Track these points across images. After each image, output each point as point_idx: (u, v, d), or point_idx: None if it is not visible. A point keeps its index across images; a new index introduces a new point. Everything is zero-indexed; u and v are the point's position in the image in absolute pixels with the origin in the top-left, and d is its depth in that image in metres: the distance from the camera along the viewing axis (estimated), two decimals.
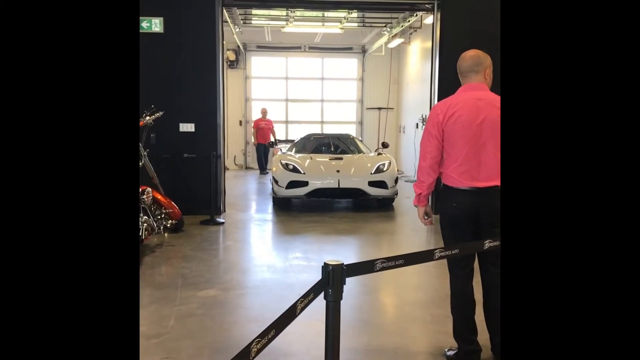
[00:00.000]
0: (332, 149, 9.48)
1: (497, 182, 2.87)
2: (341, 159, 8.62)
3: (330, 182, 7.91)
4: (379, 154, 9.06)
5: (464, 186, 2.91)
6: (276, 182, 8.08)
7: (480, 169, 2.88)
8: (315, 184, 7.90)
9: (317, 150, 9.52)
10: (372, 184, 7.94)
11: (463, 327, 3.04)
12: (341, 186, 7.88)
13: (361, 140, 10.62)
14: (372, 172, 8.05)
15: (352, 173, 8.04)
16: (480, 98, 2.89)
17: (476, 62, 2.93)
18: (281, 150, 10.09)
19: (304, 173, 8.00)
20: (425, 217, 3.13)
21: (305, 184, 7.92)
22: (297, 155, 8.86)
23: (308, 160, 8.45)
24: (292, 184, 7.91)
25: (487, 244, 2.51)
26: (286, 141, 12.93)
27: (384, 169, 8.14)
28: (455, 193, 2.95)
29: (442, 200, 3.06)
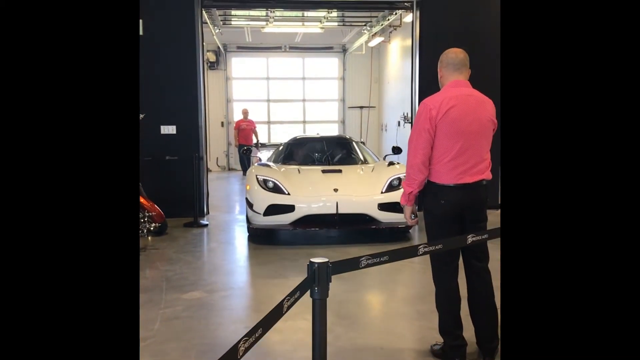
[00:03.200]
0: (327, 158, 7.24)
1: (483, 177, 2.93)
2: (340, 171, 6.49)
3: (325, 206, 5.81)
4: (390, 163, 6.84)
5: (453, 182, 2.90)
6: (250, 206, 6.04)
7: (470, 164, 2.90)
8: (303, 208, 5.82)
9: (307, 159, 7.34)
10: (383, 207, 5.85)
11: (449, 323, 3.05)
12: (340, 211, 5.75)
13: (363, 143, 8.31)
14: (384, 191, 5.97)
15: (356, 192, 5.96)
16: (470, 94, 2.94)
17: (466, 58, 2.98)
18: (260, 159, 7.95)
19: (288, 193, 5.91)
20: (412, 217, 3.11)
21: (290, 208, 5.82)
22: (280, 168, 6.70)
23: (294, 175, 6.38)
24: (273, 209, 5.82)
25: (470, 239, 2.54)
26: (268, 146, 11.47)
27: (399, 185, 5.94)
28: (444, 190, 2.92)
29: (429, 199, 3.02)
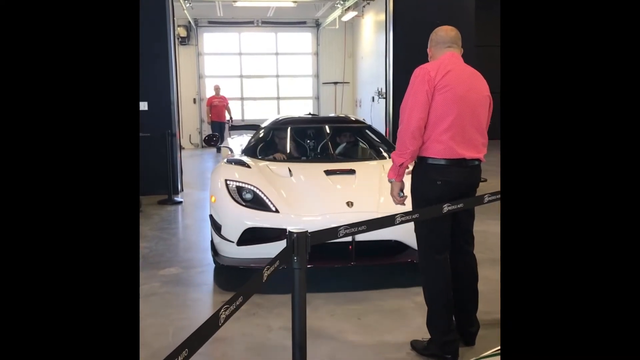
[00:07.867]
0: (328, 149, 4.91)
1: (479, 155, 2.72)
2: (352, 172, 4.23)
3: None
4: None
5: (449, 156, 2.62)
6: (217, 229, 3.95)
7: (467, 136, 2.66)
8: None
9: (299, 151, 5.13)
10: None
11: (443, 317, 2.75)
12: (358, 237, 3.55)
13: (372, 126, 5.70)
14: None
15: (380, 206, 3.78)
16: (466, 66, 2.76)
17: (458, 36, 2.80)
18: (231, 151, 5.43)
19: (276, 210, 3.80)
20: (400, 194, 2.75)
21: (278, 234, 3.70)
22: (259, 166, 4.43)
23: (284, 179, 4.20)
24: (252, 236, 3.78)
25: (446, 208, 2.53)
26: (243, 127, 8.10)
27: None
28: (439, 168, 2.64)
29: (420, 179, 2.71)
